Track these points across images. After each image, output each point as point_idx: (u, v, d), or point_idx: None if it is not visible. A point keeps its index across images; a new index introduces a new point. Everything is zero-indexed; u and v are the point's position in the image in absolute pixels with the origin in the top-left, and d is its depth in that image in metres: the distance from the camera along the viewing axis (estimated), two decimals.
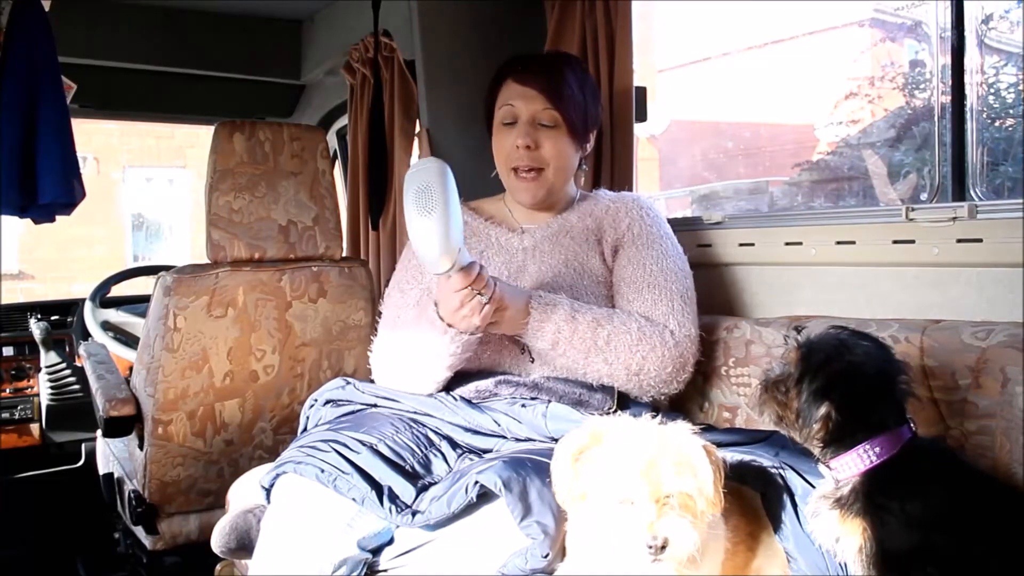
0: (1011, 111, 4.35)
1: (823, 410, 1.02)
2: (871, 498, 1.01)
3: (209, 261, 1.87)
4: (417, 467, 1.25)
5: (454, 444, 1.33)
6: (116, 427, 1.89)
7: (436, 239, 1.22)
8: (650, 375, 1.40)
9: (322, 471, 1.21)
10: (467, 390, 1.43)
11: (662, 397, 1.46)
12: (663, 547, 0.94)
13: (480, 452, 1.32)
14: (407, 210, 1.25)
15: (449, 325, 1.33)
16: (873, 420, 1.03)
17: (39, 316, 2.97)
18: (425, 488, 1.19)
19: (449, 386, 1.45)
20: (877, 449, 1.02)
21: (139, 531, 1.99)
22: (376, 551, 1.16)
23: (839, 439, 1.03)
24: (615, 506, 0.97)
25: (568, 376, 1.42)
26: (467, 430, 1.35)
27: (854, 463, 1.03)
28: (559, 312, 1.37)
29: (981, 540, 0.98)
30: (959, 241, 1.33)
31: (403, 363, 1.45)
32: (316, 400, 1.50)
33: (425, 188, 1.23)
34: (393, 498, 1.17)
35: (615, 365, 1.39)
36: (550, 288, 1.46)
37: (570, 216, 1.58)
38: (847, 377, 1.03)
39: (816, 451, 1.07)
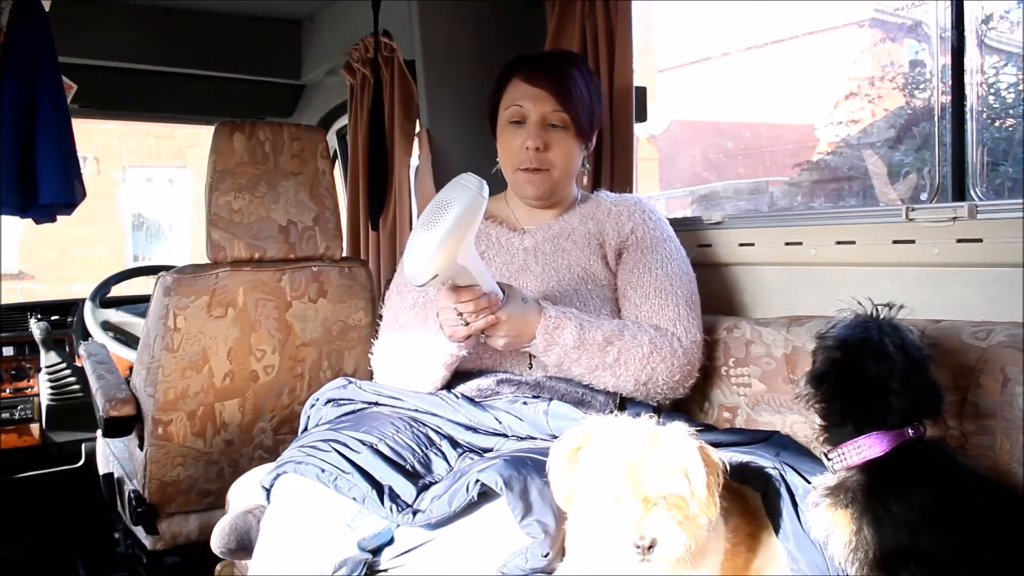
0: (1011, 111, 4.35)
1: (806, 390, 1.06)
2: (858, 493, 1.02)
3: (209, 261, 1.87)
4: (418, 466, 1.25)
5: (455, 443, 1.33)
6: (116, 427, 1.89)
7: (418, 253, 1.22)
8: (658, 384, 1.41)
9: (323, 471, 1.21)
10: (469, 388, 1.43)
11: (667, 401, 1.46)
12: (650, 547, 0.94)
13: (481, 451, 1.32)
14: (422, 212, 1.25)
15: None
16: (861, 417, 1.04)
17: (39, 316, 2.97)
18: (426, 487, 1.19)
19: (451, 384, 1.45)
20: (869, 445, 1.03)
21: (139, 531, 1.99)
22: (376, 551, 1.16)
23: (836, 428, 1.05)
24: (604, 506, 0.98)
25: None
26: (468, 428, 1.35)
27: (848, 455, 1.04)
28: (566, 336, 1.36)
29: (970, 542, 0.98)
30: (959, 241, 1.33)
31: (403, 364, 1.46)
32: (317, 400, 1.50)
33: (443, 205, 1.21)
34: (394, 497, 1.17)
35: (623, 378, 1.39)
36: (555, 293, 1.46)
37: (571, 219, 1.57)
38: (840, 369, 1.05)
39: (819, 438, 1.08)
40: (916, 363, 1.06)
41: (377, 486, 1.18)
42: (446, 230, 1.19)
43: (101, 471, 2.35)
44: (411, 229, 2.49)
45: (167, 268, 1.87)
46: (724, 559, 1.06)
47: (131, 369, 2.08)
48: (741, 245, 1.69)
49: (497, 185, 1.64)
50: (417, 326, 1.43)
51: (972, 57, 1.58)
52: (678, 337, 1.43)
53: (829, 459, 1.07)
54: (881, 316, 1.09)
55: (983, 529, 0.99)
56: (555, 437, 1.24)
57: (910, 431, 1.04)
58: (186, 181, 8.98)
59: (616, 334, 1.38)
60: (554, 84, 1.50)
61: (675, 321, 1.44)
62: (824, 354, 1.07)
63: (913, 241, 1.39)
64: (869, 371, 1.04)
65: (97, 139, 8.26)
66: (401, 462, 1.24)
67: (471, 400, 1.41)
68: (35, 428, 2.86)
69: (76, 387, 2.78)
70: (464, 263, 1.25)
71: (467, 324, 1.30)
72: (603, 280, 1.50)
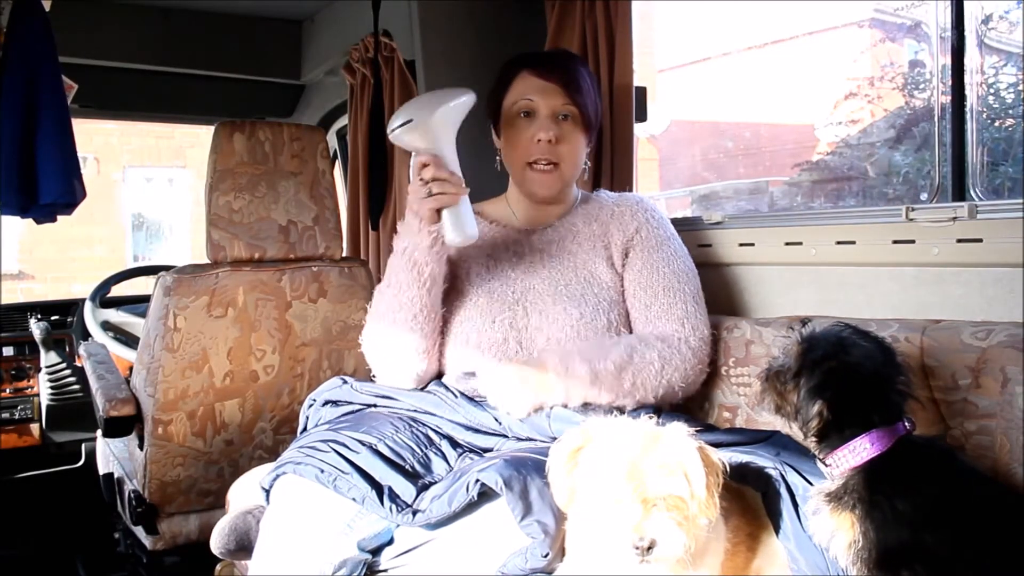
0: (1011, 111, 4.34)
1: (817, 407, 1.04)
2: (861, 493, 1.02)
3: (209, 261, 1.87)
4: (417, 466, 1.25)
5: (454, 443, 1.33)
6: (116, 427, 1.89)
7: (405, 106, 1.41)
8: (674, 390, 1.41)
9: (322, 471, 1.21)
10: (470, 390, 1.43)
11: (677, 400, 1.46)
12: (649, 548, 0.94)
13: (481, 451, 1.32)
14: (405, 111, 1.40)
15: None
16: (866, 417, 1.04)
17: (39, 316, 2.97)
18: (425, 487, 1.20)
19: (451, 384, 1.45)
20: (869, 444, 1.03)
21: (139, 531, 1.99)
22: (376, 551, 1.16)
23: (833, 434, 1.05)
24: (604, 506, 0.98)
25: None
26: (468, 428, 1.35)
27: (847, 458, 1.04)
28: (580, 385, 1.35)
29: (972, 539, 0.98)
30: (959, 241, 1.33)
31: (384, 353, 1.47)
32: (315, 400, 1.50)
33: (443, 91, 1.43)
34: (394, 497, 1.17)
35: (643, 395, 1.39)
36: (561, 295, 1.46)
37: (575, 219, 1.57)
38: (841, 376, 1.04)
39: (813, 446, 1.08)
40: (890, 354, 1.07)
41: (377, 486, 1.18)
42: (427, 96, 1.45)
43: (101, 471, 2.35)
44: None
45: (167, 268, 1.88)
46: (724, 559, 1.06)
47: (131, 369, 2.08)
48: (741, 245, 1.69)
49: (495, 186, 1.64)
50: (393, 310, 1.45)
51: (972, 57, 1.57)
52: (685, 340, 1.43)
53: (827, 465, 1.06)
54: (809, 326, 1.11)
55: (984, 526, 0.99)
56: (555, 439, 1.24)
57: (906, 424, 1.05)
58: (186, 181, 8.97)
59: (626, 358, 1.37)
60: (564, 77, 1.51)
61: (684, 319, 1.45)
62: (820, 367, 1.06)
63: (913, 241, 1.39)
64: (864, 371, 1.04)
65: (97, 139, 8.26)
66: (401, 462, 1.24)
67: (471, 400, 1.41)
68: (35, 428, 2.86)
69: (76, 387, 2.78)
70: (436, 132, 1.39)
71: (431, 195, 1.38)
72: (607, 282, 1.50)
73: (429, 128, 1.38)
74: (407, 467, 1.24)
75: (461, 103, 1.40)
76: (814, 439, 1.07)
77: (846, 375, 1.04)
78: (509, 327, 1.44)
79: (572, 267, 1.51)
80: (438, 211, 1.41)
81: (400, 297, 1.45)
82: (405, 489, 1.18)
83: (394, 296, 1.46)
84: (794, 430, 1.09)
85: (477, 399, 1.41)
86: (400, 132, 1.38)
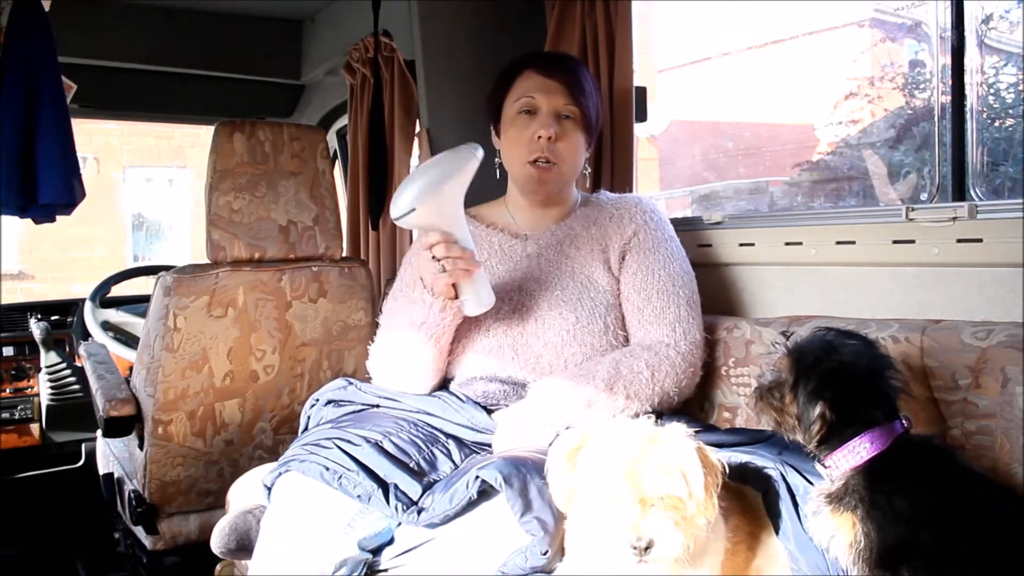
0: (1011, 111, 4.35)
1: (818, 410, 1.04)
2: (861, 493, 1.02)
3: (209, 261, 1.87)
4: (423, 464, 1.25)
5: (460, 442, 1.33)
6: (116, 427, 1.89)
7: (401, 189, 1.33)
8: (668, 395, 1.41)
9: (327, 468, 1.21)
10: (474, 393, 1.43)
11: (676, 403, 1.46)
12: (647, 548, 0.95)
13: (486, 449, 1.32)
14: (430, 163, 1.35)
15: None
16: (864, 416, 1.04)
17: (39, 316, 2.98)
18: (430, 485, 1.19)
19: (455, 390, 1.45)
20: (868, 444, 1.03)
21: (139, 531, 1.99)
22: (376, 551, 1.16)
23: (833, 437, 1.05)
24: (602, 506, 0.98)
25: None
26: (470, 429, 1.36)
27: (846, 459, 1.04)
28: (577, 414, 1.34)
29: (970, 536, 0.98)
30: (959, 241, 1.33)
31: (395, 362, 1.46)
32: (318, 400, 1.50)
33: (436, 158, 1.34)
34: (399, 495, 1.17)
35: (639, 406, 1.38)
36: (559, 300, 1.46)
37: (573, 223, 1.57)
38: (837, 374, 1.05)
39: (812, 449, 1.08)
40: (876, 349, 1.08)
41: (382, 484, 1.18)
42: (428, 171, 1.33)
43: (101, 471, 2.35)
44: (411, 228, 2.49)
45: (167, 268, 1.87)
46: (724, 559, 1.06)
47: (131, 369, 2.08)
48: (741, 245, 1.69)
49: (494, 188, 1.64)
50: (406, 321, 1.44)
51: (972, 57, 1.58)
52: (675, 345, 1.42)
53: (827, 466, 1.06)
54: (792, 338, 1.12)
55: (982, 523, 0.99)
56: None
57: (904, 423, 1.05)
58: (186, 181, 8.98)
59: (614, 373, 1.37)
60: (567, 77, 1.52)
61: (675, 324, 1.44)
62: (816, 371, 1.06)
63: (913, 241, 1.39)
64: (859, 366, 1.05)
65: (97, 139, 8.26)
66: (406, 460, 1.24)
67: (475, 403, 1.41)
68: (35, 428, 2.86)
69: (76, 387, 2.78)
70: (443, 211, 1.33)
71: (444, 271, 1.35)
72: (605, 286, 1.50)
73: (432, 212, 1.33)
74: (412, 465, 1.23)
75: (464, 172, 1.33)
76: (815, 444, 1.07)
77: (842, 373, 1.05)
78: (505, 333, 1.45)
79: (569, 272, 1.50)
80: (454, 285, 1.38)
81: (413, 357, 1.44)
82: (410, 487, 1.18)
83: (404, 353, 1.45)
84: (797, 440, 1.09)
85: (481, 404, 1.42)
86: (404, 221, 1.33)
